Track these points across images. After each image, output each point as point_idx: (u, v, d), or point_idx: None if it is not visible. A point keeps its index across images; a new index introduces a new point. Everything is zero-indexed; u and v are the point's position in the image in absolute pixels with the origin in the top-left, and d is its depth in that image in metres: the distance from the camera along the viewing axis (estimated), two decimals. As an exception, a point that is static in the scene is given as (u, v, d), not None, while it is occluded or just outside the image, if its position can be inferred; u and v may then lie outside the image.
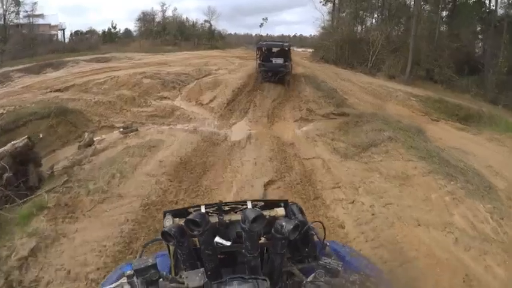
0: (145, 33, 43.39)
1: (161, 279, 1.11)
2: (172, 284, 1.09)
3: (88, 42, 32.53)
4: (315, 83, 15.59)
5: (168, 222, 1.41)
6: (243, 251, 1.31)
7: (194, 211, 1.44)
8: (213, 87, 14.19)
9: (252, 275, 1.24)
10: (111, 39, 39.51)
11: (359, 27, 27.46)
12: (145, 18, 45.27)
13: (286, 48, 16.24)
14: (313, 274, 1.19)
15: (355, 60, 23.21)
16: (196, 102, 12.73)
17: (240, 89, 14.29)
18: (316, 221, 1.61)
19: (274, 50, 16.68)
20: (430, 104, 15.18)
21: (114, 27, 42.56)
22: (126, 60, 22.58)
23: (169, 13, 46.24)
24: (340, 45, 24.10)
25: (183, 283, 1.09)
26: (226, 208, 1.48)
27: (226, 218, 1.44)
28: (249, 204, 1.46)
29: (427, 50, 21.35)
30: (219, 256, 1.39)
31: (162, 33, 44.33)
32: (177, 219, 1.43)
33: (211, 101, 12.67)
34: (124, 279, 1.15)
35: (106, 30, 40.37)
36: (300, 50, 36.64)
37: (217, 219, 1.42)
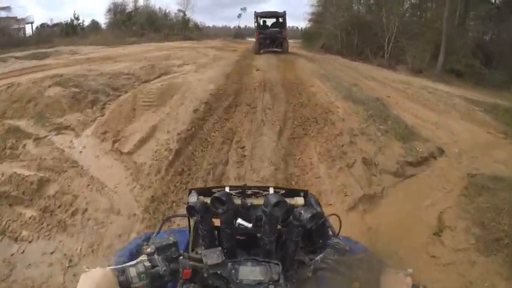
0: (112, 25, 38.03)
1: (181, 257, 1.06)
2: (191, 262, 1.05)
3: (52, 36, 28.95)
4: (341, 87, 9.50)
5: (193, 198, 1.43)
6: (261, 234, 1.29)
7: (218, 191, 1.39)
8: (160, 102, 7.56)
9: (265, 258, 1.22)
10: (74, 31, 33.93)
11: (358, 7, 21.11)
12: (116, 9, 39.22)
13: (281, 19, 17.15)
14: (322, 254, 1.17)
15: (367, 49, 17.32)
16: (112, 146, 5.97)
17: (209, 105, 7.74)
18: (332, 214, 1.51)
19: (270, 21, 17.61)
20: (504, 118, 9.33)
21: (77, 19, 36.62)
22: (68, 55, 16.57)
23: (141, 3, 40.03)
24: (347, 31, 17.99)
25: (201, 260, 1.06)
26: (249, 192, 1.45)
27: (249, 201, 1.41)
28: (271, 190, 1.45)
29: (459, 36, 15.68)
30: (237, 237, 1.36)
31: (128, 23, 37.52)
32: (202, 197, 1.44)
33: (141, 143, 5.99)
34: (144, 257, 1.04)
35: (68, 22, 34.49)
36: (291, 41, 32.59)
37: (239, 202, 1.39)
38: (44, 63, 13.81)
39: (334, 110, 7.35)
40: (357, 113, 7.09)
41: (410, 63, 15.61)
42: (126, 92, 8.43)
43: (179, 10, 53.42)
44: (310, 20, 31.26)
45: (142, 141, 5.86)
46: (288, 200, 1.32)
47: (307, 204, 1.43)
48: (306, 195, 1.47)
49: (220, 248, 1.12)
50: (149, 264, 1.02)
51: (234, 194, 1.41)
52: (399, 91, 10.41)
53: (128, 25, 37.50)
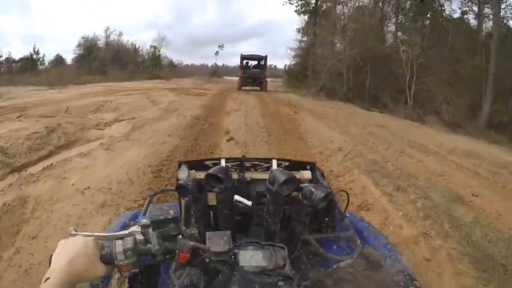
0: (76, 61, 35.27)
1: (180, 236, 0.81)
2: (192, 243, 0.81)
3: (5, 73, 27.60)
4: (408, 189, 4.28)
5: (183, 174, 1.22)
6: (264, 214, 1.11)
7: (213, 164, 1.24)
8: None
9: (268, 240, 1.03)
10: (33, 67, 31.10)
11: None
12: (86, 44, 37.04)
13: (262, 62, 19.62)
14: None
15: (383, 93, 12.66)
16: None
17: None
18: (341, 190, 1.39)
19: (252, 63, 19.85)
20: None
21: (37, 53, 32.57)
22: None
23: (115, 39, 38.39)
24: (356, 67, 13.36)
25: (204, 243, 0.87)
26: (248, 164, 1.27)
27: (247, 175, 1.24)
28: (274, 163, 1.27)
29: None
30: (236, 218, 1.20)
31: (87, 58, 32.55)
32: (193, 171, 1.25)
33: None
34: (137, 228, 0.83)
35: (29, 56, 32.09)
36: (268, 80, 28.73)
37: (237, 176, 1.22)
38: None
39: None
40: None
41: (444, 114, 11.02)
42: None
43: (151, 46, 49.75)
44: (295, 56, 27.31)
45: None
46: (293, 173, 1.14)
47: (314, 178, 1.27)
48: (313, 168, 1.31)
49: (229, 233, 0.92)
50: (141, 237, 0.81)
51: (230, 166, 1.23)
52: (478, 177, 5.49)
53: (88, 61, 32.75)
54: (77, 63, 31.98)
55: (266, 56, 20.07)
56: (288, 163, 1.31)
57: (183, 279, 0.95)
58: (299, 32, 26.44)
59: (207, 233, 0.93)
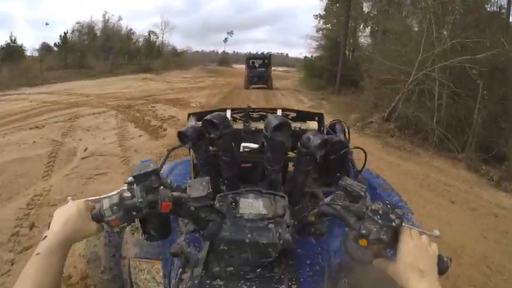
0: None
1: (162, 187, 0.82)
2: (173, 193, 0.82)
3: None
4: None
5: (191, 124, 1.26)
6: (264, 162, 1.11)
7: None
8: None
9: (270, 190, 1.02)
10: (12, 57, 24.54)
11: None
12: (83, 30, 33.66)
13: (267, 61, 19.52)
14: (331, 196, 0.90)
15: (500, 135, 6.49)
16: None
17: None
18: (358, 147, 1.31)
19: (258, 62, 19.57)
20: None
21: (14, 41, 26.49)
22: None
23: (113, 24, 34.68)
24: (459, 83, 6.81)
25: (185, 191, 0.85)
26: (255, 115, 1.33)
27: (253, 125, 1.29)
28: (279, 113, 1.29)
29: None
30: (242, 165, 1.22)
31: (62, 48, 26.67)
32: (200, 122, 1.18)
33: None
34: (124, 187, 0.88)
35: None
36: (280, 69, 29.00)
37: (242, 126, 1.29)
38: None
39: None
40: None
41: None
42: None
43: (150, 32, 43.80)
44: (319, 48, 21.05)
45: None
46: (298, 124, 1.23)
47: (320, 129, 1.29)
48: (320, 118, 1.32)
49: (208, 178, 0.87)
50: (129, 194, 0.83)
51: (237, 117, 1.29)
52: None
53: (63, 52, 26.88)
54: (41, 55, 26.02)
55: (270, 55, 20.44)
56: (294, 114, 1.31)
57: (189, 226, 1.01)
58: (317, 18, 21.11)
59: (188, 181, 0.89)
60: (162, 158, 1.16)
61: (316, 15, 21.26)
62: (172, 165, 1.59)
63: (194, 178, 1.15)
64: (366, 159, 1.28)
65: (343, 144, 1.18)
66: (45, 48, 31.02)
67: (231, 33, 58.32)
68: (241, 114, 1.31)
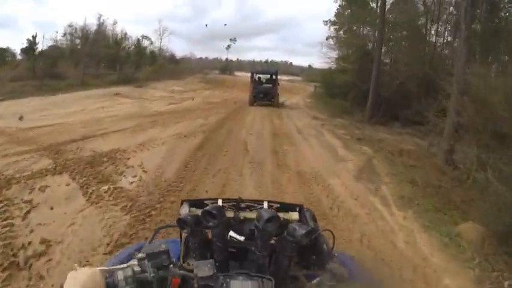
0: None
1: (171, 265, 0.97)
2: (181, 271, 0.97)
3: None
4: None
5: (184, 210, 1.38)
6: (253, 248, 1.21)
7: (211, 203, 1.37)
8: None
9: (258, 273, 1.11)
10: None
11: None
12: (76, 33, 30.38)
13: (274, 77, 18.05)
14: (318, 278, 1.09)
15: None
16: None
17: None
18: (326, 229, 1.39)
19: (264, 77, 18.50)
20: None
21: None
22: None
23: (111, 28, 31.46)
24: None
25: (192, 271, 0.98)
26: (243, 205, 1.42)
27: (242, 214, 1.38)
28: (265, 205, 1.42)
29: None
30: (229, 250, 1.30)
31: (30, 57, 22.22)
32: (193, 208, 1.40)
33: None
34: (135, 261, 0.97)
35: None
36: (284, 78, 27.05)
37: (232, 215, 1.37)
38: None
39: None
40: None
41: None
42: None
43: (144, 37, 39.69)
44: (340, 59, 16.48)
45: None
46: (282, 214, 1.31)
47: (301, 219, 1.39)
48: (301, 209, 1.43)
49: (212, 261, 1.02)
50: (139, 269, 0.94)
51: (227, 206, 1.39)
52: None
53: (31, 58, 22.37)
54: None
55: (277, 71, 19.35)
56: (278, 205, 1.43)
57: None
58: (327, 24, 17.79)
59: (194, 262, 1.03)
60: (151, 236, 1.35)
61: (326, 21, 17.78)
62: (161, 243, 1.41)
63: (183, 259, 1.26)
64: (334, 240, 1.34)
65: (315, 230, 1.23)
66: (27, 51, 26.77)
67: (233, 40, 56.14)
68: (230, 204, 1.38)
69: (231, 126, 9.53)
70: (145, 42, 39.11)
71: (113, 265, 1.00)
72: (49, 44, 26.44)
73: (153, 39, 37.08)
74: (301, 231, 1.11)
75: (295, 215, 1.39)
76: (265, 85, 17.72)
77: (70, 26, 29.45)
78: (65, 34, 29.58)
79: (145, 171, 4.94)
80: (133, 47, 35.07)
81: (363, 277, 1.23)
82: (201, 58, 53.49)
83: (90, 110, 11.24)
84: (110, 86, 19.57)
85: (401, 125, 11.97)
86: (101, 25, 33.17)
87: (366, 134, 9.84)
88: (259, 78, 18.44)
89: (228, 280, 1.01)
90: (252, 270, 1.13)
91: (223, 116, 11.48)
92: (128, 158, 5.50)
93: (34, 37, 22.42)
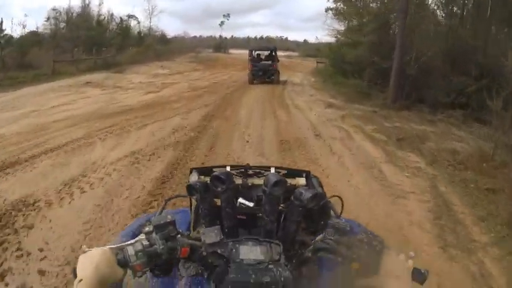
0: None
1: (179, 235, 0.94)
2: (189, 240, 0.94)
3: None
4: None
5: (194, 178, 1.37)
6: (262, 214, 1.21)
7: (219, 170, 1.32)
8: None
9: (266, 238, 1.12)
10: None
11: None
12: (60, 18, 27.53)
13: (273, 53, 17.20)
14: (322, 234, 1.01)
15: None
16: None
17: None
18: (334, 196, 1.36)
19: (263, 54, 17.73)
20: None
21: None
22: None
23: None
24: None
25: (200, 239, 0.95)
26: (251, 172, 1.41)
27: (250, 180, 1.36)
28: (273, 170, 1.41)
29: None
30: (238, 217, 1.28)
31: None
32: (202, 176, 1.38)
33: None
34: (142, 236, 0.94)
35: None
36: (281, 54, 22.74)
37: (241, 181, 1.35)
38: None
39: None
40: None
41: None
42: None
43: (129, 16, 36.94)
44: (349, 31, 13.90)
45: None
46: (289, 180, 1.30)
47: (308, 184, 1.38)
48: (308, 175, 1.43)
49: (219, 227, 0.99)
50: (147, 242, 0.91)
51: (235, 173, 1.37)
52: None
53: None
54: None
55: (275, 47, 18.41)
56: (285, 171, 1.43)
57: (190, 270, 1.05)
58: None
59: (201, 230, 1.03)
60: (160, 207, 1.35)
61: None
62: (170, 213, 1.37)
63: (193, 227, 1.29)
64: (342, 206, 1.36)
65: (322, 195, 1.21)
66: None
67: (227, 16, 54.68)
68: (238, 171, 1.38)
69: (218, 128, 7.06)
70: (133, 22, 36.37)
71: (122, 239, 1.10)
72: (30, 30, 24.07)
73: (142, 19, 34.53)
74: (307, 195, 1.11)
75: (302, 181, 1.39)
76: (264, 62, 16.83)
77: (54, 9, 26.98)
78: (48, 19, 27.28)
79: (42, 274, 2.57)
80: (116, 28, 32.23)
81: (365, 232, 1.04)
82: (195, 37, 54.10)
83: (44, 110, 8.81)
84: (86, 73, 16.96)
85: (430, 109, 9.74)
86: (86, 7, 30.45)
87: (399, 127, 7.47)
88: (258, 55, 17.53)
89: (237, 245, 1.03)
90: (261, 236, 1.15)
91: (211, 110, 9.00)
92: (31, 227, 3.13)
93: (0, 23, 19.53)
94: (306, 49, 46.68)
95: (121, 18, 30.39)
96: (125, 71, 18.33)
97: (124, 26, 28.87)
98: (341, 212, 1.35)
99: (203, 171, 1.40)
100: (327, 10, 15.74)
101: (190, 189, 1.19)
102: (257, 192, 1.28)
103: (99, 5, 30.10)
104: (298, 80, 17.58)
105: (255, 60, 16.83)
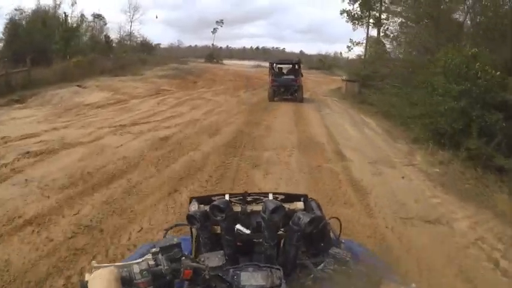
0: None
1: (183, 258, 1.02)
2: (193, 263, 1.02)
3: None
4: None
5: (194, 207, 1.41)
6: (261, 240, 1.27)
7: (218, 199, 1.38)
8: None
9: (267, 263, 1.18)
10: None
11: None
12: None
13: (297, 66, 15.77)
14: (322, 263, 1.13)
15: None
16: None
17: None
18: (333, 217, 1.40)
19: (285, 67, 16.45)
20: None
21: None
22: None
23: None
24: None
25: (203, 263, 1.04)
26: (249, 198, 1.43)
27: (249, 207, 1.40)
28: (270, 196, 1.42)
29: None
30: (238, 244, 1.35)
31: None
32: (202, 205, 1.41)
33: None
34: (149, 256, 1.03)
35: None
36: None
37: (239, 208, 1.39)
38: None
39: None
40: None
41: None
42: None
43: (97, 16, 29.70)
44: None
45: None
46: (287, 205, 1.34)
47: (307, 208, 1.40)
48: (306, 199, 1.45)
49: (222, 252, 1.11)
50: (153, 262, 0.99)
51: (234, 201, 1.41)
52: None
53: None
54: None
55: (300, 61, 16.71)
56: (283, 196, 1.43)
57: None
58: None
59: (204, 254, 1.09)
60: (163, 235, 1.35)
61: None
62: None
63: (195, 255, 1.30)
64: (341, 227, 1.37)
65: (321, 218, 1.26)
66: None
67: (220, 22, 50.04)
68: (237, 198, 1.40)
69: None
70: (98, 22, 29.05)
71: (134, 258, 1.07)
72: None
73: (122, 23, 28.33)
74: (305, 219, 1.13)
75: (300, 205, 1.40)
76: (287, 77, 15.49)
77: (17, 9, 21.42)
78: (10, 20, 21.35)
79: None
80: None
81: (367, 259, 1.17)
82: (190, 46, 53.58)
83: None
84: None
85: None
86: (57, 7, 23.41)
87: None
88: (279, 69, 16.18)
89: (238, 272, 1.06)
90: (261, 261, 1.18)
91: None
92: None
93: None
94: (306, 61, 39.65)
95: (82, 16, 23.06)
96: (26, 100, 10.77)
97: (72, 26, 21.23)
98: (340, 233, 1.34)
99: (203, 200, 1.41)
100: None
101: (191, 218, 1.23)
102: (256, 219, 1.29)
103: (72, 5, 22.91)
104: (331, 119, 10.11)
105: (275, 75, 15.42)
